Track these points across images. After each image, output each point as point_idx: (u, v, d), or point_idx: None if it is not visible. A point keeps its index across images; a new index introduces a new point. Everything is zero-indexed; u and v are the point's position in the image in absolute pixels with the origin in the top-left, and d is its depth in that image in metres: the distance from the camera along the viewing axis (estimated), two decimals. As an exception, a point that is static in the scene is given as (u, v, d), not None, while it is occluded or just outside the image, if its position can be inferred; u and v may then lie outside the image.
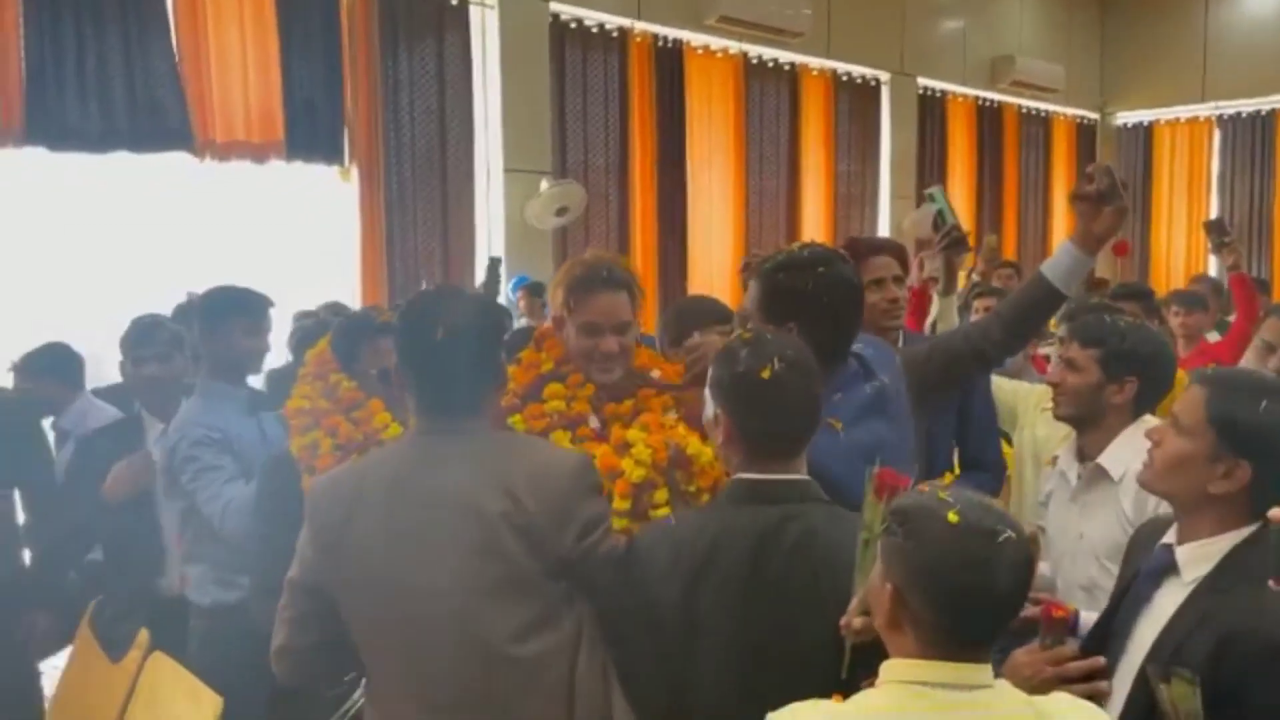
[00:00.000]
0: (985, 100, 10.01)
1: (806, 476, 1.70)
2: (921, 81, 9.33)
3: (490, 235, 6.72)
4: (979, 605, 1.29)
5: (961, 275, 4.49)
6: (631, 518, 1.92)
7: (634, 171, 7.34)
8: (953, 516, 1.29)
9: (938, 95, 9.55)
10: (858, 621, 1.54)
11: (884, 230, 9.03)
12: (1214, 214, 10.37)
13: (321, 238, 6.25)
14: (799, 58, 8.31)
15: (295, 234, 6.17)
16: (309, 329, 4.70)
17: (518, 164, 6.71)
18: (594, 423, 2.14)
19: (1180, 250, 10.83)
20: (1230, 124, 10.46)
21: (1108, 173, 2.22)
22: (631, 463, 1.96)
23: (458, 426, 1.76)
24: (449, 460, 1.73)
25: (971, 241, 3.49)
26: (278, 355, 4.44)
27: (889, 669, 1.35)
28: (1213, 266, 9.65)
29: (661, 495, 1.97)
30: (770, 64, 8.18)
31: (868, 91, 8.95)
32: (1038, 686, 1.56)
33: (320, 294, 5.47)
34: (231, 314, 2.84)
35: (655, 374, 2.24)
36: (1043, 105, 10.64)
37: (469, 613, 1.68)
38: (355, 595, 1.76)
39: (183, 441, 2.67)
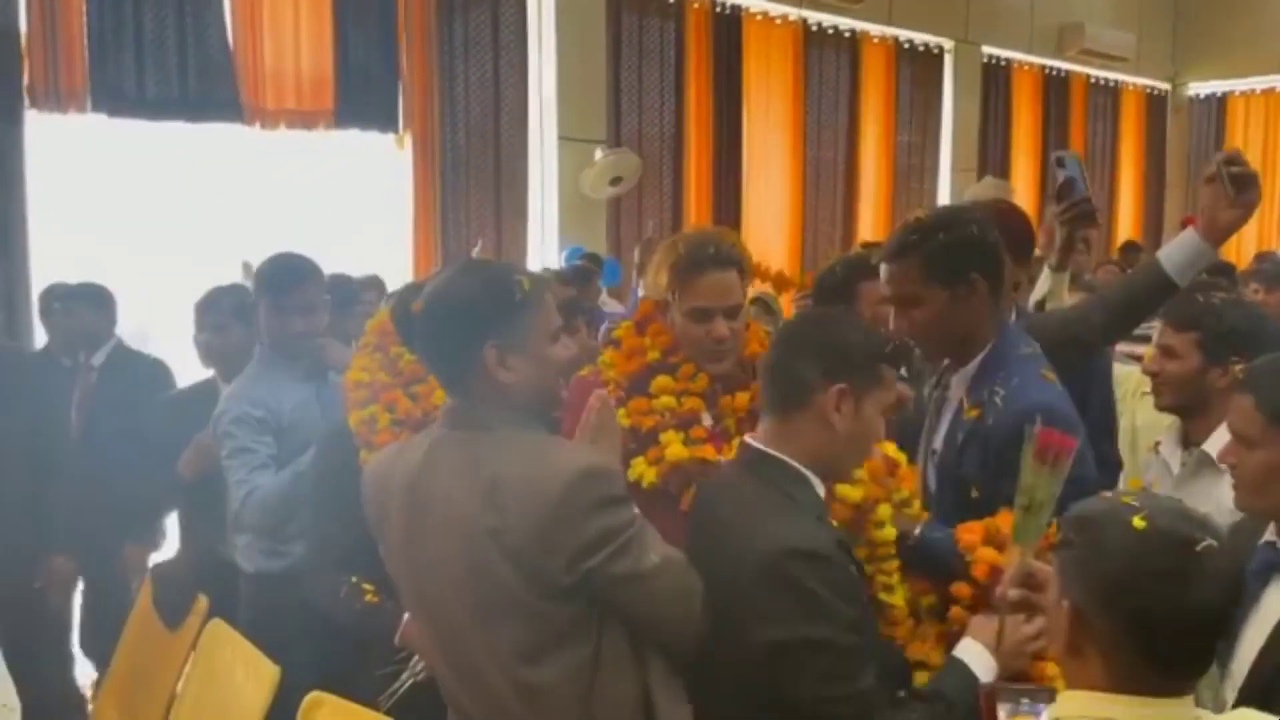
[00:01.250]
0: (1052, 69, 9.72)
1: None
2: (986, 50, 9.07)
3: (544, 205, 6.66)
4: (1174, 626, 1.11)
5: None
6: (856, 542, 1.74)
7: (689, 141, 7.22)
8: (1139, 522, 1.12)
9: (1002, 64, 9.28)
10: (1013, 593, 1.52)
11: (944, 204, 8.83)
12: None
13: (375, 206, 6.23)
14: (860, 25, 8.11)
15: (349, 202, 6.15)
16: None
17: (572, 132, 6.63)
18: (707, 420, 1.97)
19: (1251, 227, 10.46)
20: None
21: (1229, 160, 2.07)
22: (847, 485, 1.73)
23: (467, 418, 1.61)
24: (448, 464, 1.59)
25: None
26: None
27: (1068, 702, 1.19)
28: (1282, 245, 9.35)
29: (885, 512, 1.76)
30: (830, 31, 7.99)
31: (930, 60, 8.73)
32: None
33: (373, 264, 5.46)
34: (294, 285, 2.70)
35: None
36: (1111, 75, 10.30)
37: (466, 631, 1.60)
38: (399, 587, 1.75)
39: (223, 417, 2.62)
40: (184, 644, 2.69)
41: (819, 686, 1.49)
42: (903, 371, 2.41)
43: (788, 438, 1.61)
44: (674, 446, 1.91)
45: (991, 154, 9.19)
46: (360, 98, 5.80)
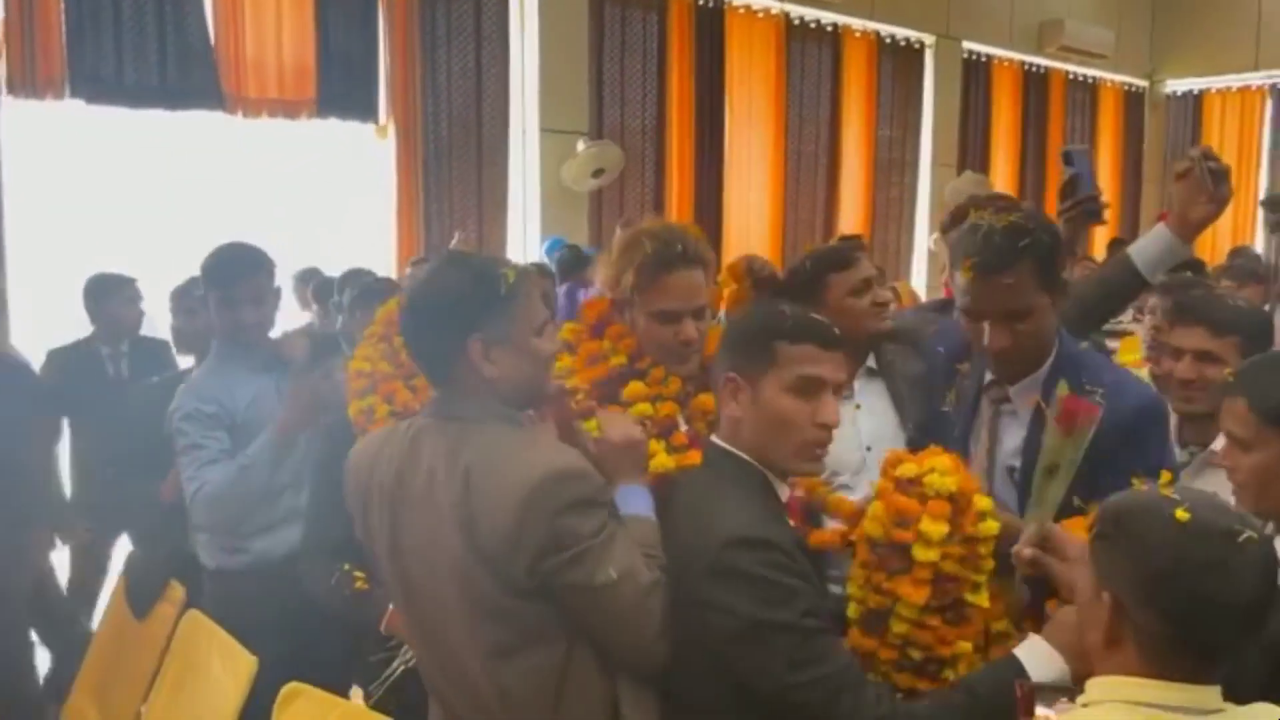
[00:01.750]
0: (1031, 65, 9.77)
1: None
2: (966, 45, 9.11)
3: (525, 196, 6.66)
4: (1216, 616, 1.13)
5: None
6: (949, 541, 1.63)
7: (671, 133, 7.23)
8: (1182, 514, 1.14)
9: (983, 60, 9.33)
10: (1028, 552, 1.52)
11: (924, 198, 8.88)
12: (1263, 186, 10.13)
13: (358, 197, 6.21)
14: (841, 19, 8.13)
15: (332, 192, 6.13)
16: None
17: (554, 124, 6.62)
18: (683, 425, 1.87)
19: (1226, 224, 10.57)
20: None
21: (1204, 157, 2.07)
22: (938, 476, 1.61)
23: (450, 409, 1.62)
24: (430, 454, 1.59)
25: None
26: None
27: (1103, 687, 1.20)
28: (1259, 240, 9.44)
29: (984, 502, 1.64)
30: (812, 25, 8.01)
31: (911, 55, 8.76)
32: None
33: (355, 254, 5.45)
34: (242, 276, 2.65)
35: None
36: (1090, 71, 10.37)
37: (446, 621, 1.60)
38: (382, 574, 1.75)
39: (176, 414, 2.60)
40: (160, 635, 2.69)
41: (783, 672, 1.48)
42: (871, 362, 2.42)
43: (728, 432, 1.63)
44: (660, 456, 1.81)
45: (971, 149, 9.23)
46: (342, 87, 5.78)
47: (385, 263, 6.08)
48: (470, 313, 1.57)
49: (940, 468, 1.65)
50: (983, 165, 9.20)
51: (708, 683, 1.57)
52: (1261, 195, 9.66)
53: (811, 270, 2.37)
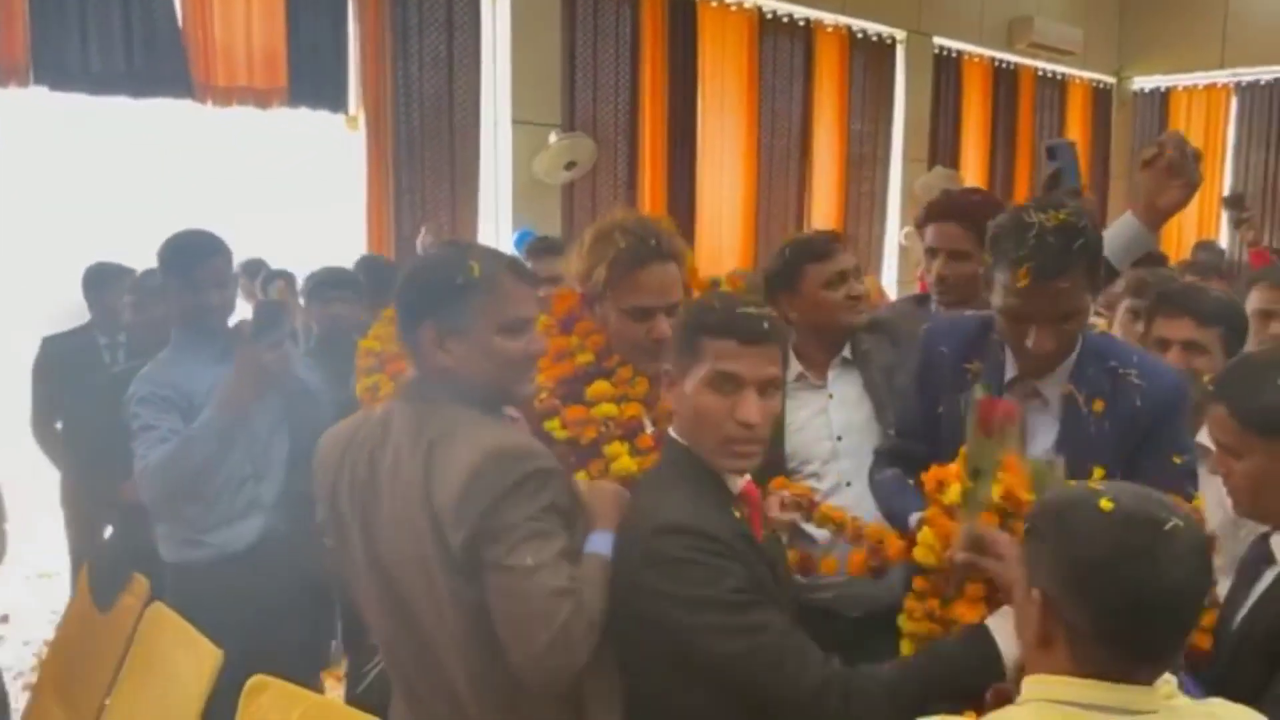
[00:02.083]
0: (1001, 62, 9.83)
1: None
2: (937, 41, 9.16)
3: (497, 188, 6.63)
4: (1144, 607, 1.09)
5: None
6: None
7: (644, 126, 7.22)
8: (1106, 504, 1.11)
9: (953, 55, 9.38)
10: (961, 556, 1.51)
11: (895, 193, 8.92)
12: (1228, 183, 10.26)
13: (329, 187, 6.17)
14: (813, 13, 8.15)
15: (303, 183, 6.09)
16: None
17: (526, 116, 6.60)
18: (649, 427, 1.83)
19: (1192, 218, 10.70)
20: (1248, 92, 10.29)
21: (1180, 143, 2.04)
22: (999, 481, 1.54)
23: (419, 391, 1.62)
24: (398, 432, 1.59)
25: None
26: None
27: (1033, 686, 1.17)
28: (1223, 236, 9.57)
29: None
30: (785, 19, 8.02)
31: (883, 50, 8.79)
32: None
33: (326, 245, 5.42)
34: (204, 258, 2.65)
35: None
36: (1059, 68, 10.45)
37: (412, 599, 1.59)
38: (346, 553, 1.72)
39: (131, 400, 2.59)
40: (124, 628, 2.67)
41: (718, 645, 1.46)
42: (846, 352, 2.40)
43: (675, 425, 1.62)
44: (622, 460, 1.79)
45: (942, 144, 9.28)
46: (312, 77, 5.72)
47: (355, 255, 6.05)
48: (425, 298, 1.58)
49: (996, 475, 1.57)
50: (953, 160, 9.26)
51: (658, 671, 1.56)
52: (1225, 192, 9.79)
53: (789, 259, 2.38)
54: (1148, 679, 1.13)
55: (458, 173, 6.39)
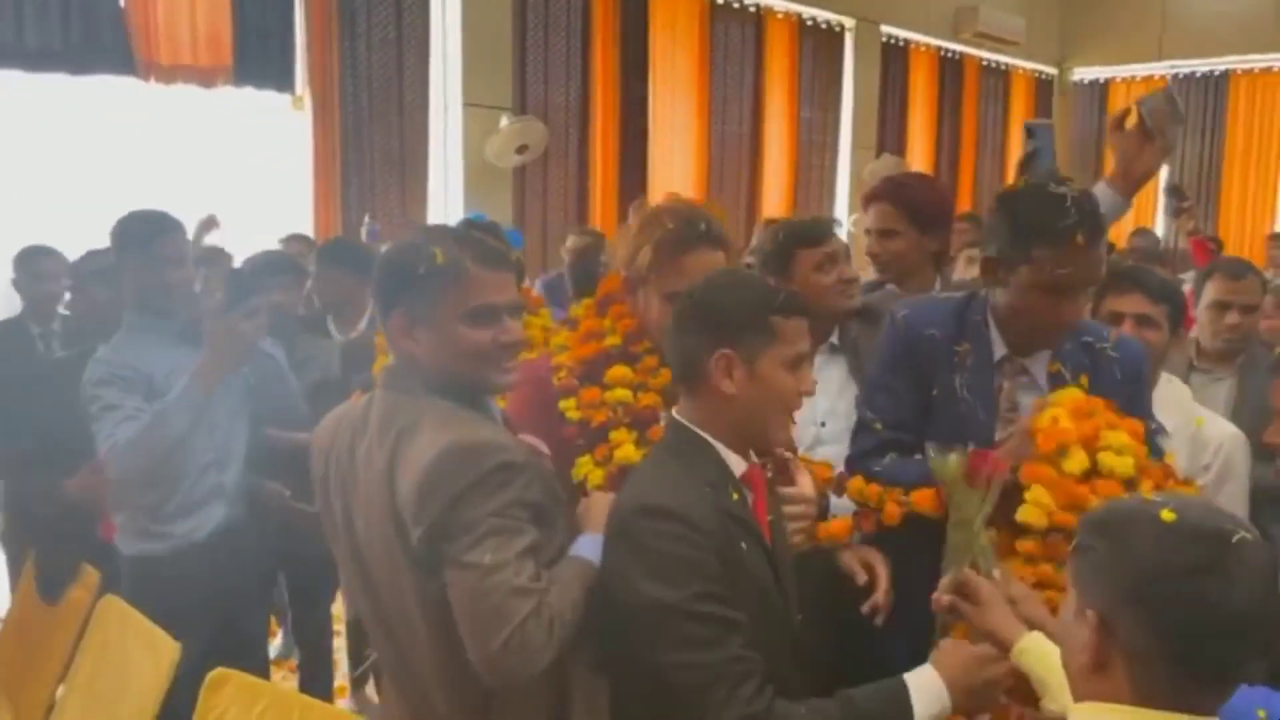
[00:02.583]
0: (947, 51, 9.96)
1: None
2: (885, 29, 9.24)
3: (447, 172, 6.56)
4: (1208, 626, 1.01)
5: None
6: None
7: (596, 111, 7.19)
8: (1168, 515, 1.04)
9: (901, 44, 9.47)
10: (945, 599, 1.51)
11: (844, 179, 9.00)
12: (1165, 173, 10.50)
13: (274, 168, 6.04)
14: (764, 0, 8.17)
15: (246, 164, 5.95)
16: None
17: (477, 99, 6.53)
18: (664, 420, 1.74)
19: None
20: (1185, 84, 10.53)
21: (1157, 106, 2.01)
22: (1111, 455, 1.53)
23: (395, 380, 1.60)
24: (375, 420, 1.58)
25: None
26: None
27: (1086, 715, 1.09)
28: (1159, 224, 9.80)
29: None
30: (735, 5, 8.03)
31: (832, 37, 8.84)
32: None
33: (272, 228, 5.30)
34: (161, 235, 2.58)
35: None
36: (1003, 58, 10.61)
37: (383, 586, 1.57)
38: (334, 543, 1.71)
39: (89, 383, 2.50)
40: (73, 622, 2.60)
41: (660, 650, 1.44)
42: (834, 339, 2.42)
43: (696, 410, 1.57)
44: (626, 448, 1.74)
45: (889, 132, 9.38)
46: (258, 55, 5.60)
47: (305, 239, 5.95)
48: (393, 285, 1.57)
49: (1116, 444, 1.57)
50: (900, 148, 9.36)
51: (615, 651, 1.54)
52: (1163, 182, 10.03)
53: (782, 243, 2.39)
54: (1213, 708, 1.05)
55: (407, 156, 6.31)
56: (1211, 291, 2.85)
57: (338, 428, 1.67)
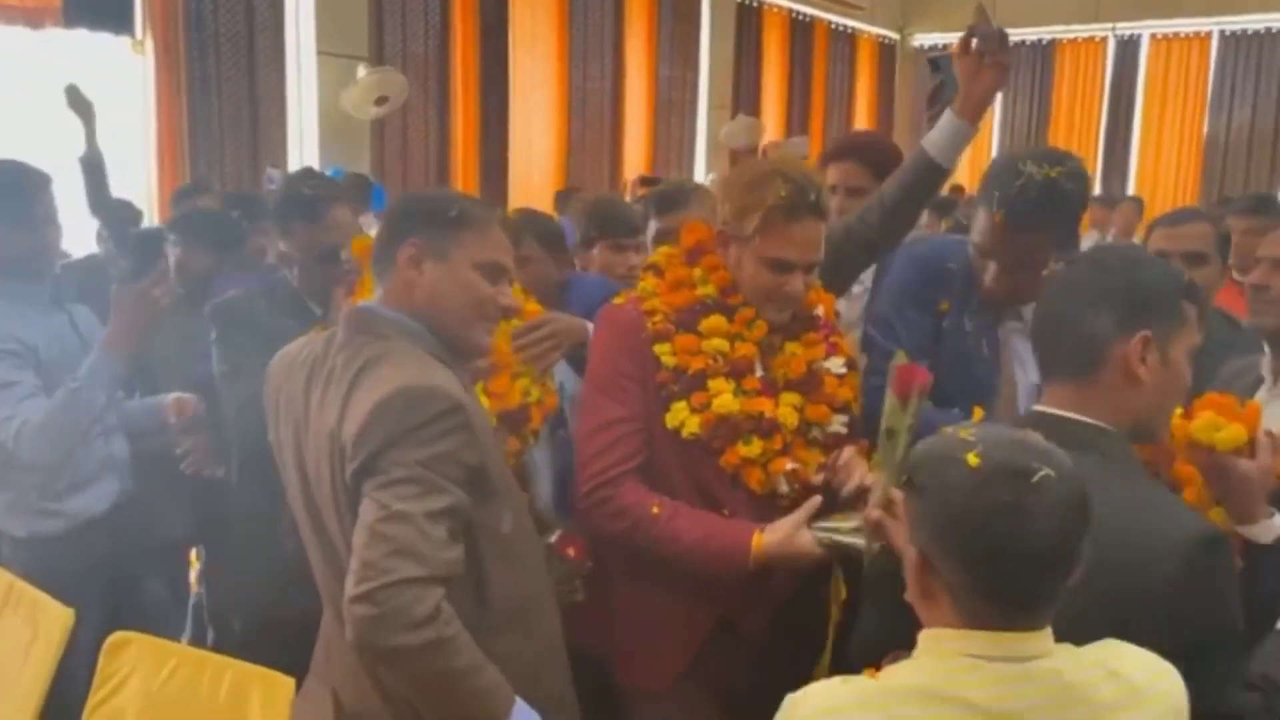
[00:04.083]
0: (797, 14, 10.18)
1: None
2: (739, -10, 9.38)
3: (302, 123, 6.30)
4: (1014, 561, 1.07)
5: None
6: None
7: (456, 63, 7.03)
8: (973, 459, 1.09)
9: (754, 5, 9.62)
10: (875, 514, 1.48)
11: (701, 137, 9.11)
12: (996, 136, 11.07)
13: (112, 118, 5.64)
14: (623, -44, 8.16)
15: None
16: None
17: (332, 47, 6.29)
18: (758, 371, 1.79)
19: (964, 167, 11.51)
20: (1015, 51, 11.04)
21: (988, 28, 2.04)
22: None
23: (368, 319, 1.56)
24: (340, 357, 1.54)
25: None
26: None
27: (927, 640, 1.16)
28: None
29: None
30: (593, -40, 7.99)
31: (688, -3, 8.92)
32: None
33: (112, 182, 4.96)
34: (37, 191, 2.36)
35: (819, 311, 1.90)
36: (849, 22, 10.93)
37: (330, 525, 1.54)
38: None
39: None
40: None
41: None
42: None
43: (1088, 402, 1.40)
44: (725, 397, 1.74)
45: (744, 92, 9.54)
46: (92, -5, 5.23)
47: (145, 191, 5.61)
48: (417, 219, 1.56)
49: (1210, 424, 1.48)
50: (754, 109, 9.54)
51: None
52: (994, 143, 10.59)
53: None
54: (1030, 626, 1.12)
55: (259, 106, 6.02)
56: (1156, 241, 2.70)
57: (291, 366, 1.62)
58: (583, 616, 1.81)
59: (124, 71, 5.59)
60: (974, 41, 2.04)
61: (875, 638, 1.41)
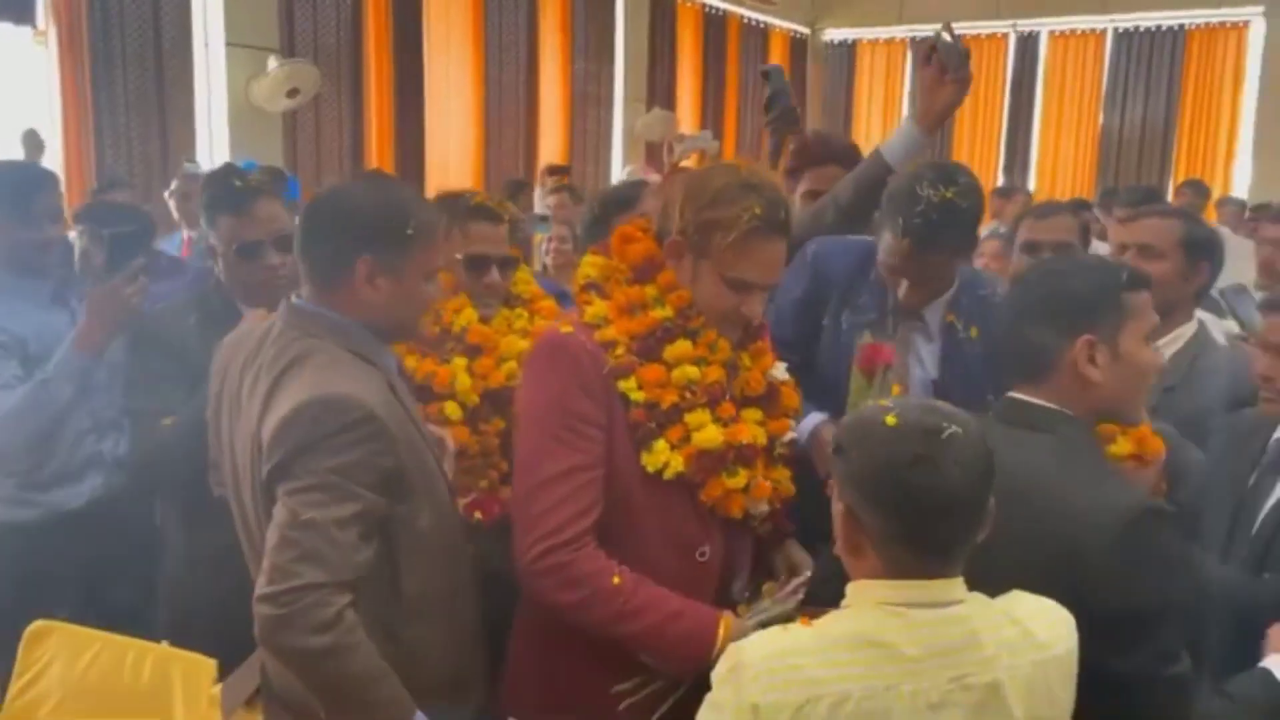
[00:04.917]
0: (711, 8, 10.32)
1: None
2: (653, -17, 9.46)
3: (211, 115, 6.22)
4: (928, 508, 1.21)
5: None
6: None
7: (369, 55, 6.99)
8: (891, 420, 1.23)
9: (668, -1, 9.74)
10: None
11: (618, 132, 9.20)
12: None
13: (13, 109, 5.51)
14: (536, -51, 8.18)
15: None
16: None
17: (241, 38, 6.21)
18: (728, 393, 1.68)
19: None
20: (922, 47, 11.34)
21: (950, 43, 2.15)
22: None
23: (301, 317, 1.61)
24: (270, 351, 1.59)
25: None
26: None
27: (855, 591, 1.29)
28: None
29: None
30: (508, -48, 8.00)
31: (603, -10, 8.98)
32: None
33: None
34: (41, 189, 2.41)
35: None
36: (761, 16, 11.11)
37: (254, 518, 1.60)
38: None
39: None
40: None
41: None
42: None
43: (1048, 398, 1.51)
44: (709, 430, 1.62)
45: (659, 86, 9.64)
46: (-11, -17, 5.09)
47: (51, 185, 5.49)
48: (372, 236, 1.57)
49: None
50: (669, 102, 9.65)
51: None
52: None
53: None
54: (946, 574, 1.25)
55: (166, 98, 5.92)
56: (1026, 232, 2.82)
57: (236, 350, 1.67)
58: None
59: (26, 63, 5.45)
60: (934, 56, 2.17)
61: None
